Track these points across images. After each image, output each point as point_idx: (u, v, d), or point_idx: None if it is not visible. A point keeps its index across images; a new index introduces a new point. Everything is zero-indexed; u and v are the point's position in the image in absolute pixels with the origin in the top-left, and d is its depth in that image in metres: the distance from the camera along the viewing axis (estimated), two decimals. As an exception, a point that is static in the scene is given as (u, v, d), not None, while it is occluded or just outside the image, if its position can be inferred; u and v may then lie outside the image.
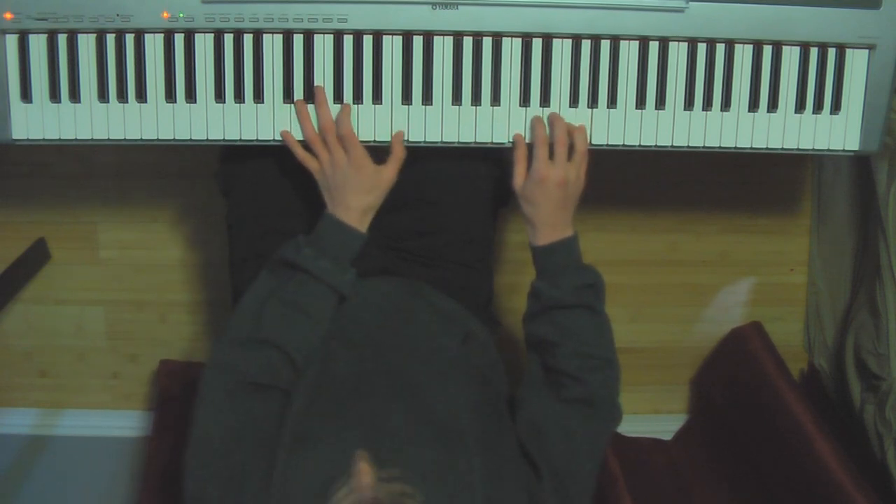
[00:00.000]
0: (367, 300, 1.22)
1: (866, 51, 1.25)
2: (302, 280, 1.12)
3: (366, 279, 1.27)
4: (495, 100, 1.24)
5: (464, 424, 1.03)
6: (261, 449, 0.99)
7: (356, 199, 1.17)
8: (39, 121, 1.22)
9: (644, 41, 1.24)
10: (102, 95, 1.22)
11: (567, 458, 1.07)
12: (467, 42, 1.22)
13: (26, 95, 1.21)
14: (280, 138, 1.22)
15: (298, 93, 1.22)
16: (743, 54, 1.25)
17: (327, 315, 1.13)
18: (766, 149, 1.28)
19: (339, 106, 1.21)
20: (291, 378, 1.08)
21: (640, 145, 1.27)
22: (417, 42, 1.22)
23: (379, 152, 1.26)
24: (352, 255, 1.17)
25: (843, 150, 1.29)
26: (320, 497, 0.87)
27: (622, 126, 1.25)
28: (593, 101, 1.25)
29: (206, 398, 1.04)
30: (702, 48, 1.24)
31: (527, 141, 1.22)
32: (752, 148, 1.28)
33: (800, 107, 1.27)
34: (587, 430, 1.10)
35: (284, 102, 1.22)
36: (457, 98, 1.23)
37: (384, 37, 1.22)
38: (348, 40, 1.22)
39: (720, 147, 1.27)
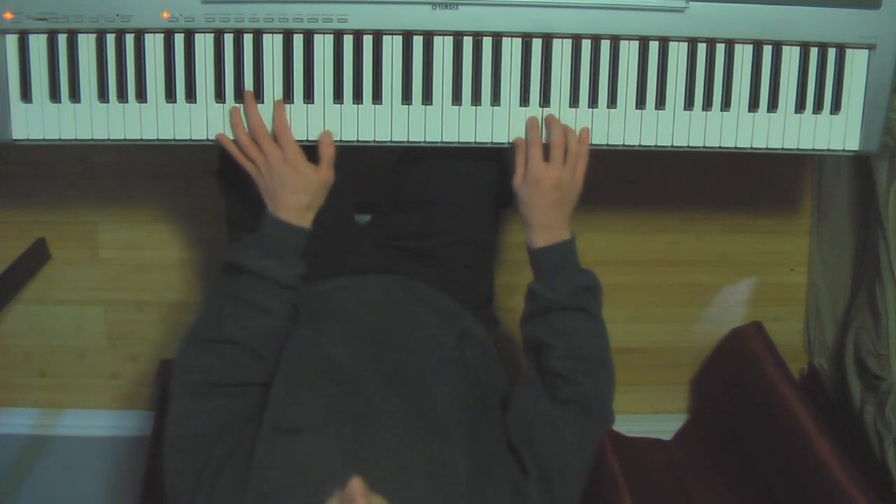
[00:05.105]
0: (364, 296, 1.22)
1: (866, 51, 1.25)
2: (251, 280, 1.13)
3: (364, 276, 1.27)
4: (495, 100, 1.24)
5: (452, 419, 1.04)
6: (234, 441, 1.01)
7: (293, 198, 1.17)
8: (39, 121, 1.22)
9: (644, 41, 1.24)
10: (102, 95, 1.22)
11: (555, 455, 1.07)
12: (467, 42, 1.22)
13: (26, 95, 1.21)
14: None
15: (299, 93, 1.22)
16: (743, 54, 1.25)
17: (284, 308, 1.14)
18: (766, 149, 1.28)
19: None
20: (261, 371, 1.09)
21: (640, 145, 1.27)
22: (417, 42, 1.22)
23: (380, 152, 1.26)
24: (297, 250, 1.17)
25: (843, 150, 1.29)
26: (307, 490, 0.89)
27: (622, 126, 1.25)
28: (593, 101, 1.25)
29: (177, 398, 1.07)
30: (702, 48, 1.24)
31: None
32: (752, 148, 1.28)
33: (800, 107, 1.27)
34: (577, 430, 1.11)
35: (285, 103, 1.22)
36: (457, 98, 1.23)
37: (384, 37, 1.22)
38: (348, 40, 1.22)
39: (720, 147, 1.27)
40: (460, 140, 1.25)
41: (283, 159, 1.17)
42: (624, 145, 1.26)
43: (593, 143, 1.24)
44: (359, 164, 1.45)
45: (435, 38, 1.22)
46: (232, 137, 1.21)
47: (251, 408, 1.06)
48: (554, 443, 1.08)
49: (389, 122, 1.23)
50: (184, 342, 1.12)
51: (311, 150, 1.20)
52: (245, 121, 1.21)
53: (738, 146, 1.27)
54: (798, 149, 1.28)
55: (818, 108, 1.27)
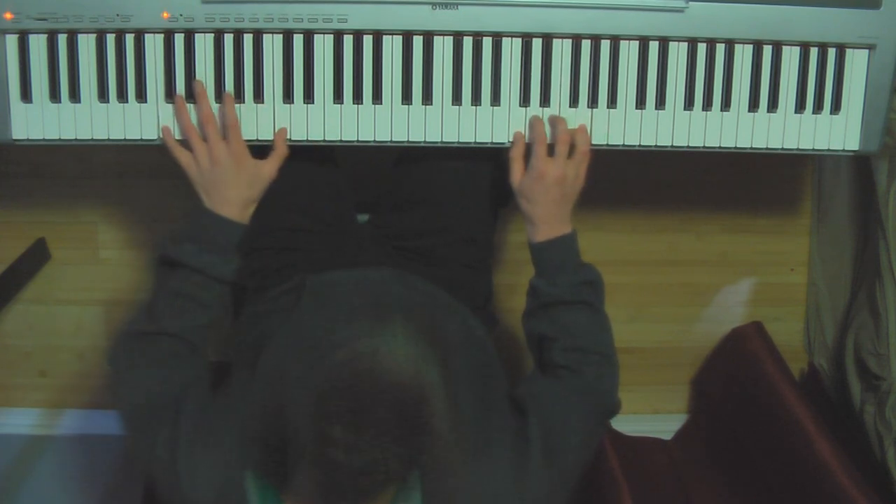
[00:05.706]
0: (365, 288, 1.22)
1: (866, 51, 1.25)
2: (186, 274, 1.11)
3: (364, 270, 1.27)
4: (495, 100, 1.24)
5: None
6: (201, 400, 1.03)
7: (236, 192, 1.15)
8: (39, 121, 1.22)
9: (644, 41, 1.24)
10: (102, 95, 1.22)
11: (560, 426, 1.07)
12: (467, 42, 1.22)
13: (26, 95, 1.21)
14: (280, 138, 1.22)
15: (299, 93, 1.22)
16: (743, 54, 1.25)
17: (220, 300, 1.13)
18: (766, 149, 1.28)
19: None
20: (198, 361, 1.10)
21: (640, 145, 1.27)
22: (417, 42, 1.22)
23: (380, 152, 1.26)
24: (234, 245, 1.15)
25: (843, 150, 1.29)
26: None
27: (622, 126, 1.25)
28: (593, 101, 1.25)
29: (121, 392, 1.07)
30: (702, 48, 1.24)
31: (526, 141, 1.22)
32: (752, 148, 1.28)
33: (800, 107, 1.27)
34: (583, 409, 1.11)
35: (285, 103, 1.22)
36: (457, 98, 1.23)
37: (384, 37, 1.22)
38: (348, 40, 1.22)
39: (720, 147, 1.27)
40: (460, 140, 1.25)
41: (229, 152, 1.16)
42: (624, 145, 1.26)
43: (593, 143, 1.24)
44: (359, 164, 1.45)
45: (435, 38, 1.22)
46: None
47: (194, 378, 1.06)
48: (560, 416, 1.08)
49: (389, 123, 1.23)
50: (118, 337, 1.11)
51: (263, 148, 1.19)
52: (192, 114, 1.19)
53: (738, 146, 1.27)
54: (798, 149, 1.28)
55: (818, 108, 1.27)
